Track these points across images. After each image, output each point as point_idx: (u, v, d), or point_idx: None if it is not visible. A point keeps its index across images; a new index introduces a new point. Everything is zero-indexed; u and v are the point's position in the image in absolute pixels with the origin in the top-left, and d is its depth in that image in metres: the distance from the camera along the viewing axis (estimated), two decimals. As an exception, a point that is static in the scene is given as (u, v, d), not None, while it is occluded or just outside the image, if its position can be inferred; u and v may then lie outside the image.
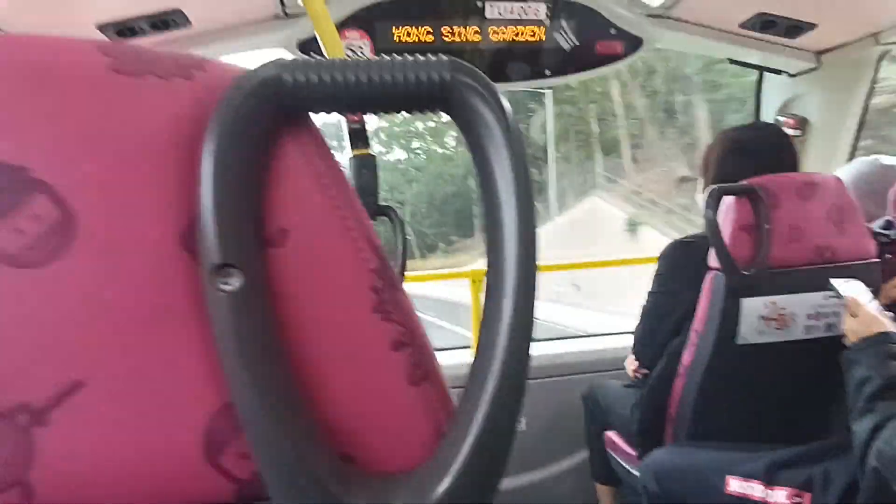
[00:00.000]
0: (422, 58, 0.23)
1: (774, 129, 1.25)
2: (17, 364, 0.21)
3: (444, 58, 0.23)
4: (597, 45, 1.54)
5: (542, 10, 1.50)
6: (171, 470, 0.23)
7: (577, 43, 1.53)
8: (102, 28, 1.20)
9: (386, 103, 0.23)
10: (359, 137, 0.79)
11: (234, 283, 0.21)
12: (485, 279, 0.24)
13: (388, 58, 0.23)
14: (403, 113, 0.24)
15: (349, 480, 0.23)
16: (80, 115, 0.21)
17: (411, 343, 0.24)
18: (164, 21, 1.24)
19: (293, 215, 0.23)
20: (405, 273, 0.90)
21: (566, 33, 1.53)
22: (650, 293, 1.21)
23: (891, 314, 0.91)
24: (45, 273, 0.21)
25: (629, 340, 1.31)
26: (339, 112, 0.23)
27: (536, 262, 0.23)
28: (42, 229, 0.21)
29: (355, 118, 0.82)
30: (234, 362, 0.21)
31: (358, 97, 0.23)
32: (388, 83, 0.22)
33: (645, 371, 1.27)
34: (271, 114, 0.22)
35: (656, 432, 1.19)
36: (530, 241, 0.22)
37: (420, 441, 0.25)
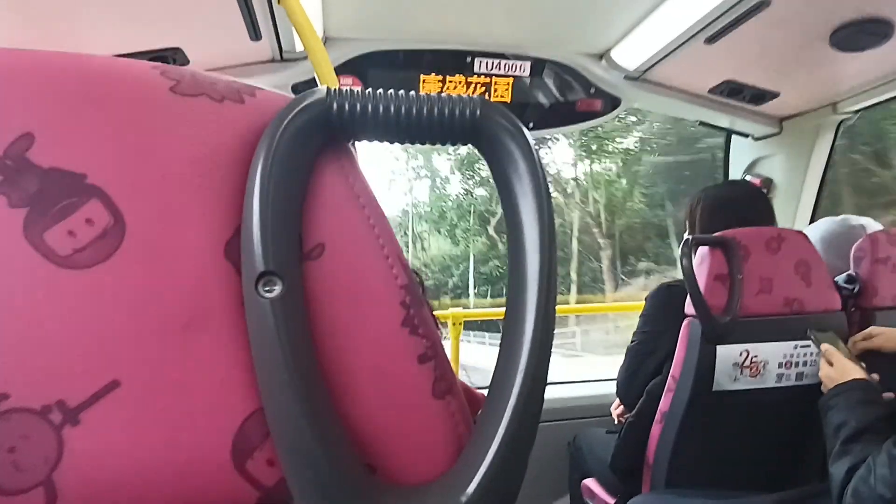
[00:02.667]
0: (455, 95, 0.25)
1: (750, 185, 1.35)
2: (57, 362, 0.22)
3: (476, 96, 0.25)
4: (577, 102, 1.63)
5: (526, 68, 1.59)
6: (197, 475, 0.23)
7: (559, 99, 1.62)
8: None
9: (422, 135, 0.25)
10: None
11: (275, 289, 0.22)
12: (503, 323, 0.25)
13: (422, 95, 0.25)
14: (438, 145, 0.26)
15: (374, 490, 0.23)
16: (138, 129, 0.23)
17: (435, 357, 0.26)
18: (164, 58, 1.27)
19: (330, 231, 0.25)
20: None
21: (549, 89, 1.61)
22: (636, 333, 1.25)
23: (862, 364, 0.95)
24: (92, 275, 0.22)
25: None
26: (379, 140, 0.25)
27: (555, 290, 0.24)
28: (94, 233, 0.22)
29: None
30: (271, 366, 0.22)
31: (396, 128, 0.25)
32: (425, 116, 0.25)
33: (630, 414, 1.29)
34: (316, 137, 0.24)
35: (634, 478, 1.19)
36: (551, 270, 0.24)
37: (442, 453, 0.26)
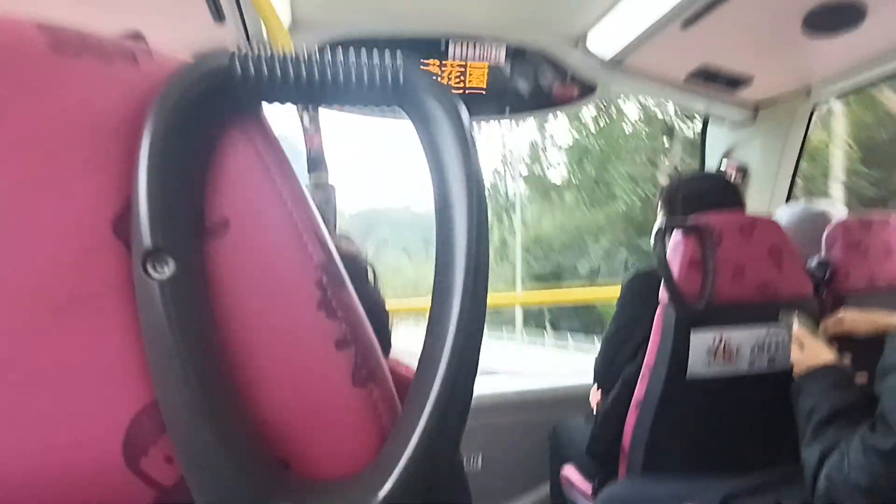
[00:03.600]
0: (376, 59, 0.23)
1: (718, 176, 1.37)
2: None
3: (399, 56, 0.23)
4: (553, 87, 1.61)
5: (502, 52, 1.56)
6: (85, 474, 0.21)
7: (536, 84, 1.59)
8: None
9: (341, 99, 0.23)
10: (317, 166, 0.79)
11: (166, 270, 0.20)
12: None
13: (341, 57, 0.23)
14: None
15: (285, 487, 0.21)
16: (10, 91, 0.20)
17: (355, 342, 0.23)
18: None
19: (236, 206, 0.22)
20: None
21: (525, 74, 1.59)
22: (612, 320, 1.25)
23: (833, 347, 0.95)
24: None
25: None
26: (293, 104, 0.23)
27: (487, 269, 0.22)
28: None
29: (314, 145, 0.82)
30: (160, 354, 0.20)
31: (310, 93, 0.22)
32: (342, 80, 0.22)
33: None
34: (218, 104, 0.22)
35: (611, 465, 1.19)
36: (480, 244, 0.22)
37: (362, 446, 0.24)
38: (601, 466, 1.23)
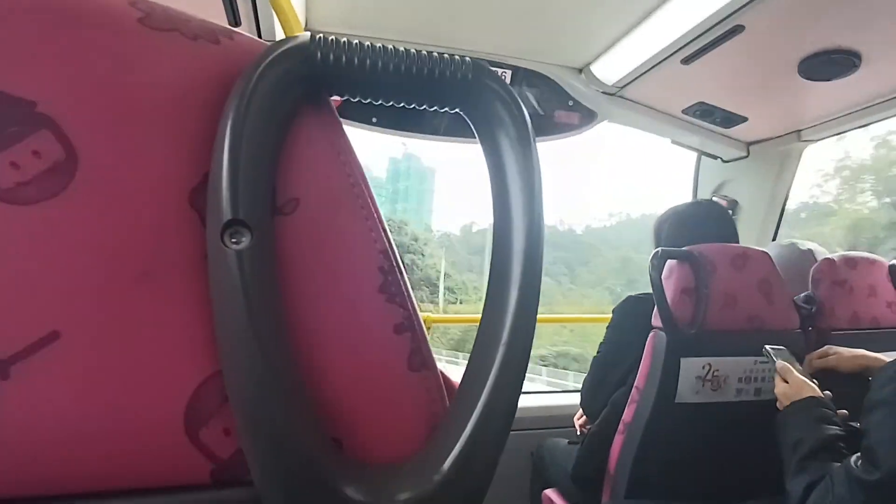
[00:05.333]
0: (447, 56, 0.24)
1: (715, 205, 1.39)
2: None
3: (469, 58, 0.24)
4: (555, 113, 1.65)
5: (507, 76, 1.60)
6: (145, 441, 0.21)
7: (538, 109, 1.63)
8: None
9: (410, 95, 0.24)
10: None
11: (243, 241, 0.20)
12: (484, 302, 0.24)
13: (415, 52, 0.24)
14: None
15: (339, 466, 0.21)
16: (99, 60, 0.21)
17: (411, 328, 0.24)
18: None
19: (307, 186, 0.23)
20: None
21: (528, 98, 1.62)
22: (602, 344, 1.26)
23: (815, 381, 0.97)
24: (35, 212, 0.20)
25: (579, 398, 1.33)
26: (363, 97, 0.24)
27: (541, 262, 0.23)
28: (41, 166, 0.20)
29: None
30: (232, 323, 0.20)
31: (384, 85, 0.23)
32: (414, 74, 0.23)
33: (591, 425, 1.29)
34: (296, 87, 0.23)
35: (594, 488, 1.19)
36: (537, 239, 0.23)
37: (414, 429, 0.24)
38: (583, 490, 1.23)
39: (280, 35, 1.36)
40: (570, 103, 1.65)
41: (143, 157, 0.21)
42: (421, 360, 0.24)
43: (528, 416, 1.75)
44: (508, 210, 0.23)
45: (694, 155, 1.92)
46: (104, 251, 0.20)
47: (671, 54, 1.36)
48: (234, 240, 0.20)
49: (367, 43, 0.23)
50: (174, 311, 0.21)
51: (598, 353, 1.28)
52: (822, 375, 1.09)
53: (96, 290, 0.20)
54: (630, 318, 1.22)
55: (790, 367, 0.99)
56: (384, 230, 0.24)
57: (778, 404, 0.97)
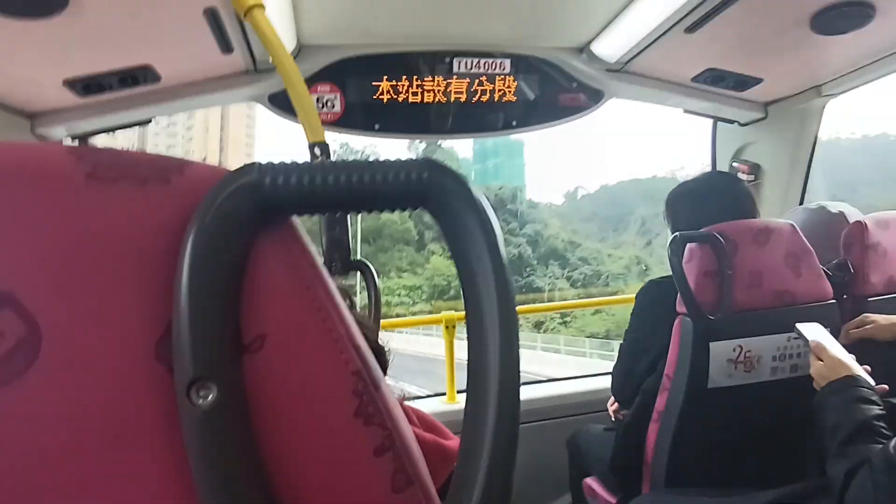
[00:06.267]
0: (400, 159, 0.23)
1: (726, 176, 1.34)
2: None
3: (422, 159, 0.23)
4: (559, 97, 1.61)
5: (507, 65, 1.56)
6: None
7: (541, 95, 1.59)
8: (70, 83, 1.19)
9: (366, 203, 0.23)
10: None
11: (208, 396, 0.21)
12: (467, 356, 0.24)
13: (364, 161, 0.23)
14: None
15: None
16: (51, 225, 0.21)
17: (393, 446, 0.24)
18: (134, 77, 1.24)
19: (272, 320, 0.23)
20: (379, 325, 0.90)
21: (530, 86, 1.59)
22: (627, 332, 1.25)
23: (853, 355, 0.94)
24: (5, 394, 0.20)
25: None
26: (319, 213, 0.23)
27: (518, 357, 0.23)
28: (6, 346, 0.20)
29: None
30: (206, 475, 0.20)
31: (337, 199, 0.23)
32: (367, 184, 0.23)
33: (625, 412, 1.28)
34: (251, 218, 0.22)
35: (634, 477, 1.18)
36: (513, 339, 0.23)
37: None
38: (623, 480, 1.23)
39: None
40: (574, 85, 1.61)
41: (104, 317, 0.21)
42: (405, 478, 0.24)
43: (562, 404, 1.76)
44: (481, 313, 0.23)
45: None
46: (76, 423, 0.21)
47: (673, 25, 1.30)
48: (201, 394, 0.20)
49: (316, 161, 0.23)
50: (152, 467, 0.21)
51: (624, 340, 1.27)
52: (861, 346, 1.06)
53: (72, 462, 0.21)
54: (652, 304, 1.20)
55: (823, 344, 0.95)
56: (357, 348, 0.24)
57: (815, 384, 0.94)
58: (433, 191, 0.23)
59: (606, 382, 1.77)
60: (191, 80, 1.35)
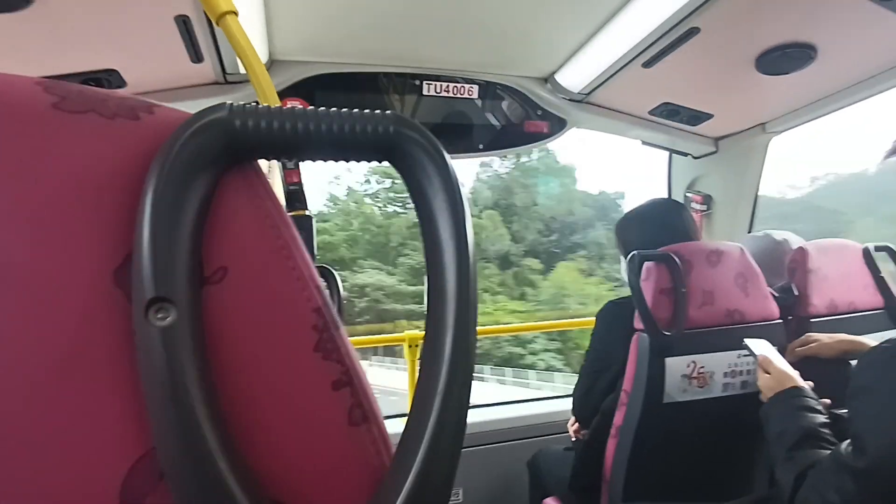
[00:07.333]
0: (370, 111, 0.24)
1: (669, 201, 1.43)
2: None
3: (389, 112, 0.24)
4: (525, 123, 1.67)
5: (474, 91, 1.61)
6: None
7: (508, 121, 1.65)
8: (29, 84, 1.16)
9: (332, 152, 0.24)
10: (296, 198, 0.81)
11: (167, 317, 0.21)
12: (422, 341, 0.24)
13: (335, 111, 0.24)
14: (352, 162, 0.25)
15: None
16: (14, 149, 0.21)
17: (350, 383, 0.24)
18: (97, 80, 1.22)
19: (234, 253, 0.23)
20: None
21: (497, 111, 1.64)
22: (588, 352, 1.27)
23: (797, 372, 0.99)
24: None
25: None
26: (287, 158, 0.24)
27: (475, 303, 0.24)
28: None
29: (294, 179, 0.84)
30: (160, 400, 0.20)
31: (305, 145, 0.24)
32: (336, 134, 0.24)
33: (585, 431, 1.30)
34: (218, 156, 0.23)
35: (593, 496, 1.19)
36: (470, 285, 0.23)
37: (357, 485, 0.24)
38: (583, 499, 1.23)
39: (244, 68, 1.36)
40: (539, 112, 1.68)
41: (63, 243, 0.21)
42: (361, 413, 0.24)
43: (522, 426, 1.75)
44: (440, 259, 0.24)
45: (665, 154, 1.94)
46: (29, 346, 0.20)
47: (632, 59, 1.38)
48: (159, 315, 0.20)
49: (287, 107, 0.24)
50: (105, 393, 0.21)
51: (584, 361, 1.29)
52: (804, 363, 1.11)
53: (23, 385, 0.20)
54: (612, 324, 1.23)
55: (770, 358, 1.00)
56: (317, 287, 0.24)
57: (761, 396, 0.98)
58: (399, 142, 0.24)
59: (568, 404, 1.79)
60: (158, 88, 1.33)
